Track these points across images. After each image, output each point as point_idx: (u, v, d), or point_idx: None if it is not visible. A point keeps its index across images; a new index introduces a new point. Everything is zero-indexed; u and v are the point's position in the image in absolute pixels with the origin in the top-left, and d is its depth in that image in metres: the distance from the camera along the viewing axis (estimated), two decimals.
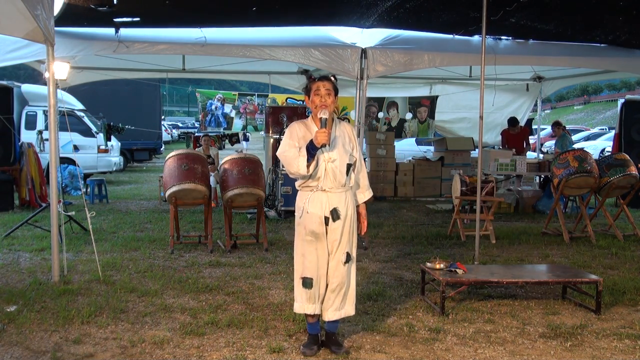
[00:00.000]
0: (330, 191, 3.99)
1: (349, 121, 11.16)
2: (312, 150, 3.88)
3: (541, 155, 13.66)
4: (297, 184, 4.12)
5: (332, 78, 4.06)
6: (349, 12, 8.01)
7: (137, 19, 7.54)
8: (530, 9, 7.65)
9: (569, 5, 7.58)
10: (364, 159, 4.10)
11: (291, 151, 3.95)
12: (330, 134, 3.95)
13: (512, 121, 11.98)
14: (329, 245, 4.03)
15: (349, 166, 4.04)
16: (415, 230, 8.80)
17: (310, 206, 3.99)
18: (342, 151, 4.00)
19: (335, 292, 4.07)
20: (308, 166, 3.90)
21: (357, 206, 4.22)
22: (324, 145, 3.87)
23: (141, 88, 17.95)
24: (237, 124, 13.09)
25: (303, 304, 4.07)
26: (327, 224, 3.99)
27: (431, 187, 12.81)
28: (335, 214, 3.98)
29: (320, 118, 3.89)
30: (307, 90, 4.09)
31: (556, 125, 12.16)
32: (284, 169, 9.27)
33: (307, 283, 4.02)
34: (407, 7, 7.59)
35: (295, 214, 4.12)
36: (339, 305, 4.09)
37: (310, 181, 4.00)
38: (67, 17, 6.91)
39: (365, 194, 4.26)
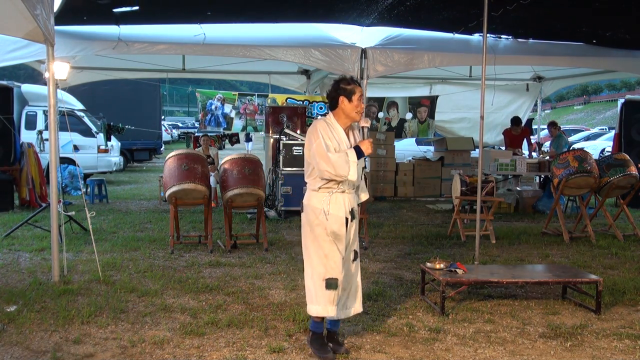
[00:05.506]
0: (347, 192, 4.00)
1: None
2: (358, 157, 3.89)
3: (541, 155, 13.66)
4: (314, 184, 3.99)
5: None
6: (348, 8, 7.99)
7: (136, 7, 7.47)
8: (531, 9, 7.62)
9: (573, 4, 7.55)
10: (364, 159, 4.11)
11: (337, 155, 3.84)
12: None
13: (516, 121, 11.96)
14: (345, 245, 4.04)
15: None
16: (415, 230, 8.79)
17: (332, 208, 3.93)
18: None
19: (346, 291, 4.09)
20: None
21: None
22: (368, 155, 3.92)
23: (141, 88, 17.92)
24: (237, 125, 13.07)
25: (326, 306, 3.92)
26: (346, 224, 3.99)
27: (431, 187, 12.80)
28: (352, 215, 4.04)
29: (363, 127, 3.92)
30: (345, 92, 3.91)
31: (552, 125, 12.16)
32: (285, 169, 9.37)
33: (332, 284, 3.90)
34: (407, 4, 7.59)
35: (310, 215, 3.98)
36: (345, 304, 4.12)
37: (333, 182, 3.93)
38: (67, 12, 6.87)
39: (362, 195, 4.27)
